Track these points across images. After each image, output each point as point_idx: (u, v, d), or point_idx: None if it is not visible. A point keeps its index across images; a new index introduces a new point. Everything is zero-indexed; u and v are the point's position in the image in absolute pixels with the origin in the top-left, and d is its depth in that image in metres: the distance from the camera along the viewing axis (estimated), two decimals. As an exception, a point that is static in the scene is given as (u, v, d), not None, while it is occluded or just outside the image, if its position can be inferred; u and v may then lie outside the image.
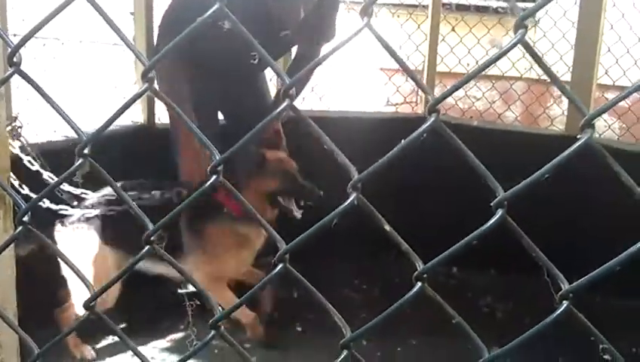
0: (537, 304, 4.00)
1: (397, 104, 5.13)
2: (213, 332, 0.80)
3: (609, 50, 4.47)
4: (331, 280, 3.98)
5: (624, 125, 4.89)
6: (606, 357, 0.77)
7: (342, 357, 0.79)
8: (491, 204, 0.73)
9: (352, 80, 6.26)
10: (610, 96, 5.06)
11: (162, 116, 4.13)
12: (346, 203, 0.74)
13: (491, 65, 0.73)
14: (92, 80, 5.34)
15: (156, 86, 0.83)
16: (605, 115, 5.11)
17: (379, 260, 4.32)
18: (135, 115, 4.16)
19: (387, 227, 0.76)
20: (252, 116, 3.73)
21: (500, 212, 0.73)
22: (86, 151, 0.77)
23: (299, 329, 3.82)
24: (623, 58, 4.59)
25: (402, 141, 0.74)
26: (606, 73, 4.51)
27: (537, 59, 0.70)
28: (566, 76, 4.40)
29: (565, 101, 4.59)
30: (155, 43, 3.85)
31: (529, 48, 0.69)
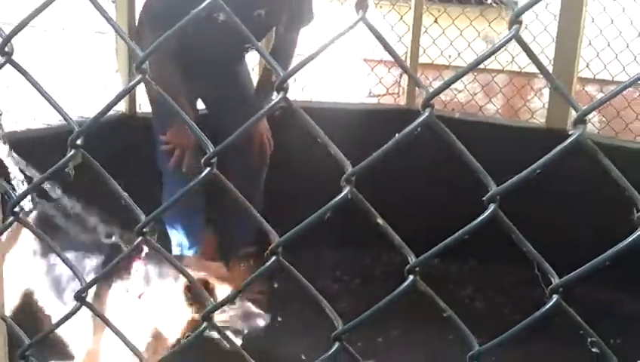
0: (516, 294, 4.07)
1: (379, 95, 5.14)
2: (205, 323, 0.81)
3: (590, 44, 4.51)
4: (311, 270, 3.97)
5: (604, 119, 4.94)
6: (594, 350, 0.78)
7: (334, 348, 0.79)
8: (484, 199, 0.74)
9: (335, 71, 6.26)
10: (590, 89, 5.10)
11: (144, 105, 4.11)
12: (340, 196, 0.74)
13: (485, 60, 0.73)
14: (73, 68, 5.29)
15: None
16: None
17: (359, 251, 4.35)
18: (117, 105, 4.13)
19: (380, 221, 0.76)
20: (234, 105, 3.74)
21: (492, 206, 0.73)
22: (78, 142, 0.76)
23: (279, 319, 3.82)
24: (603, 51, 4.63)
25: (396, 135, 0.75)
26: (587, 66, 4.55)
27: (531, 55, 0.70)
28: (547, 69, 4.42)
29: (546, 94, 4.62)
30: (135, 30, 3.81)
31: (523, 44, 0.70)
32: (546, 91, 4.54)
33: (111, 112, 3.37)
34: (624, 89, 0.72)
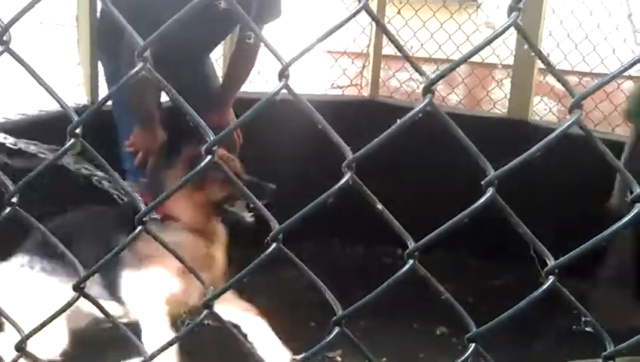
0: (481, 285, 4.13)
1: (343, 87, 5.16)
2: (205, 311, 0.81)
3: (550, 34, 4.58)
4: (277, 261, 3.97)
5: (563, 108, 5.04)
6: (588, 329, 0.80)
7: (334, 333, 0.80)
8: (482, 183, 0.75)
9: (298, 63, 6.25)
10: (550, 79, 5.19)
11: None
12: (341, 182, 0.75)
13: (488, 44, 0.74)
14: (33, 60, 5.18)
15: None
16: (545, 98, 5.24)
17: (323, 242, 4.36)
18: (78, 98, 4.07)
19: (379, 206, 0.77)
20: (199, 97, 3.72)
21: (490, 190, 0.75)
22: (77, 131, 0.76)
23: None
24: (563, 42, 4.71)
25: (398, 121, 0.76)
26: (547, 56, 4.62)
27: (528, 41, 0.72)
28: (509, 60, 4.49)
29: (507, 84, 4.68)
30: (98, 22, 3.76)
31: (521, 30, 0.71)
32: (507, 82, 4.60)
33: (72, 105, 3.32)
34: (620, 74, 0.74)
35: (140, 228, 0.77)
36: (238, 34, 3.74)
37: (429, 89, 0.73)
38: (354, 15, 0.70)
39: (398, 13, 4.93)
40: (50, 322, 0.83)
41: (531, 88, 4.18)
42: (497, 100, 4.98)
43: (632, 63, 0.72)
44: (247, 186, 2.96)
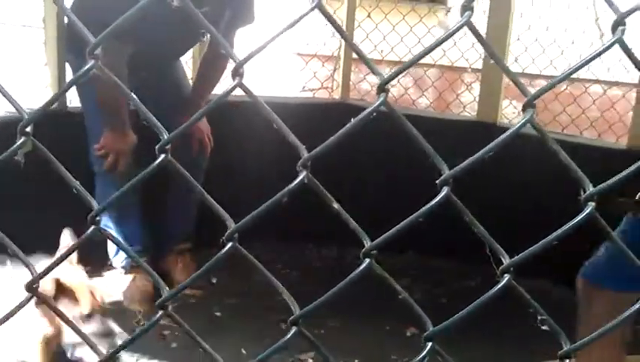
0: (453, 285, 4.15)
1: (314, 89, 5.16)
2: (160, 312, 0.80)
3: (519, 39, 4.63)
4: (250, 264, 3.97)
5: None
6: (544, 327, 0.81)
7: (291, 333, 0.80)
8: (437, 182, 0.75)
9: (269, 65, 6.25)
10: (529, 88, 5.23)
11: (74, 99, 4.01)
12: (296, 181, 0.75)
13: (442, 43, 0.75)
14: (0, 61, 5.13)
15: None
16: (515, 102, 5.29)
17: (297, 245, 4.37)
18: (46, 98, 4.02)
19: (335, 205, 0.77)
20: (170, 100, 3.70)
21: (445, 189, 0.75)
22: (28, 129, 0.75)
23: (217, 314, 3.81)
24: (531, 46, 4.76)
25: (352, 120, 0.76)
26: (516, 61, 4.67)
27: (481, 40, 0.72)
28: (477, 63, 4.53)
29: (476, 88, 4.72)
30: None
31: (474, 30, 0.71)
32: (477, 85, 4.64)
33: (40, 107, 3.28)
34: (574, 72, 0.75)
35: (92, 228, 0.76)
36: (210, 37, 3.73)
37: (382, 88, 0.73)
38: (306, 14, 0.70)
39: (368, 16, 4.95)
40: (4, 322, 0.81)
41: (500, 91, 4.22)
42: (467, 103, 5.03)
43: (580, 64, 0.73)
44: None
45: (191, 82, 3.98)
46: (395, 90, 5.16)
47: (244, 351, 3.35)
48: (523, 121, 0.73)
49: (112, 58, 3.21)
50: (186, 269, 3.83)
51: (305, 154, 0.75)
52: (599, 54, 0.73)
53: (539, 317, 0.81)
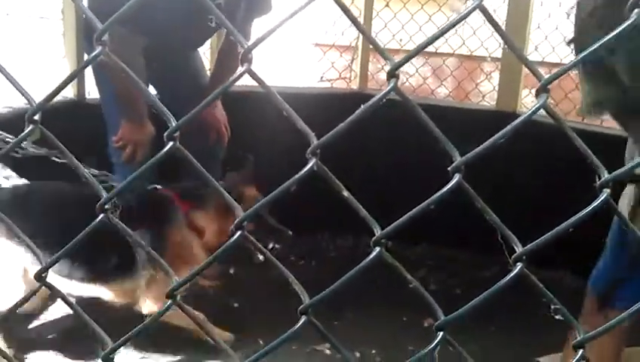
0: (468, 276, 4.13)
1: (331, 80, 5.14)
2: (169, 301, 0.79)
3: (539, 27, 4.57)
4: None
5: (551, 101, 5.02)
6: (557, 317, 0.80)
7: (301, 322, 0.79)
8: (449, 169, 0.74)
9: (287, 56, 6.24)
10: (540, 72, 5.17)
11: (93, 90, 4.03)
12: (305, 169, 0.74)
13: (453, 27, 0.73)
14: (19, 53, 5.17)
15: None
16: (534, 91, 5.22)
17: (313, 235, 4.37)
18: (65, 90, 4.05)
19: (345, 193, 0.76)
20: (187, 91, 3.70)
21: (457, 176, 0.74)
22: (36, 117, 0.74)
23: (235, 305, 3.82)
24: (552, 34, 4.70)
25: (362, 106, 0.74)
26: (536, 49, 4.62)
27: (495, 25, 0.71)
28: (497, 52, 4.48)
29: (496, 77, 4.68)
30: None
31: (487, 14, 0.70)
32: (496, 74, 4.60)
33: (59, 98, 3.31)
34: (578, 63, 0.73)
35: (101, 216, 0.76)
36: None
37: (392, 74, 0.72)
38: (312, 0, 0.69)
39: (387, 5, 4.91)
40: (15, 310, 0.81)
41: (520, 81, 4.18)
42: (486, 93, 4.98)
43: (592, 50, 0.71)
44: (270, 229, 2.95)
45: (209, 73, 3.98)
46: (413, 79, 5.12)
47: (261, 342, 3.36)
48: (536, 106, 0.72)
49: (125, 49, 3.23)
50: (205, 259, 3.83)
51: (314, 141, 0.74)
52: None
53: (552, 307, 0.79)
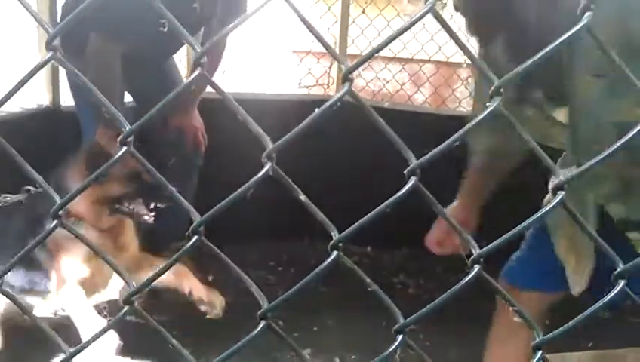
0: (447, 280, 4.14)
1: (309, 86, 5.15)
2: (126, 307, 0.79)
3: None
4: (246, 262, 3.99)
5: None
6: (516, 319, 0.80)
7: (259, 327, 0.79)
8: (404, 172, 0.74)
9: (264, 62, 6.24)
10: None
11: (69, 98, 4.00)
12: (261, 173, 0.73)
13: (405, 31, 0.73)
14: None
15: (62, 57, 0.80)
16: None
17: (293, 242, 4.36)
18: (40, 98, 4.02)
19: (302, 197, 0.76)
20: (162, 98, 3.68)
21: (413, 179, 0.74)
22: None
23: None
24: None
25: (316, 110, 0.74)
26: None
27: (446, 27, 0.71)
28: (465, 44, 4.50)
29: (472, 83, 4.71)
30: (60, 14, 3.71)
31: (439, 18, 0.70)
32: (472, 80, 4.63)
33: (34, 106, 3.26)
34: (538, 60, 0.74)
35: (55, 222, 0.75)
36: (202, 35, 3.72)
37: (346, 77, 0.72)
38: (268, 1, 0.69)
39: (363, 12, 4.93)
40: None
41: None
42: (462, 98, 5.01)
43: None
44: (149, 188, 2.84)
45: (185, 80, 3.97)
46: (390, 85, 5.14)
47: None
48: (489, 110, 0.72)
49: (103, 54, 3.22)
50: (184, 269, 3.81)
51: (270, 145, 0.74)
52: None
53: (510, 309, 0.80)
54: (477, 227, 2.27)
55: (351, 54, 4.73)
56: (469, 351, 3.24)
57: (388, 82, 5.11)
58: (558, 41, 0.71)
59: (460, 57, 5.01)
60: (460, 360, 3.11)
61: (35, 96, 4.02)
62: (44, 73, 3.95)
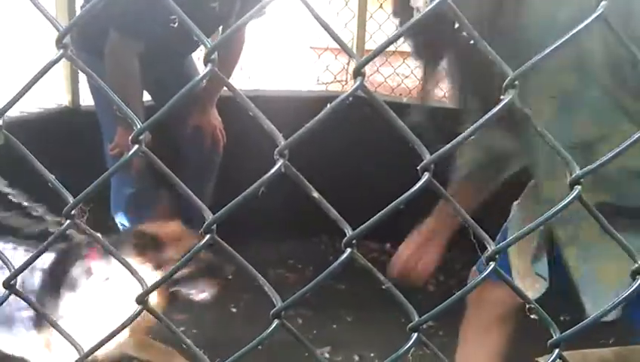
0: (466, 277, 4.12)
1: (327, 83, 5.14)
2: (139, 307, 0.79)
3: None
4: (265, 261, 4.00)
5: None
6: (533, 316, 0.79)
7: (272, 326, 0.78)
8: (418, 168, 0.73)
9: (282, 59, 6.23)
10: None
11: (87, 97, 4.02)
12: (273, 169, 0.73)
13: (415, 25, 0.72)
14: (12, 56, 5.17)
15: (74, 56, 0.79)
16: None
17: (312, 241, 4.36)
18: (58, 97, 4.04)
19: (315, 194, 0.75)
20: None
21: (426, 175, 0.73)
22: (-1, 122, 0.74)
23: (233, 309, 3.82)
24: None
25: (328, 105, 0.74)
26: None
27: (460, 20, 0.70)
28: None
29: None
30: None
31: (451, 9, 0.69)
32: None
33: (53, 106, 3.27)
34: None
35: (67, 222, 0.75)
36: (221, 34, 3.72)
37: (358, 72, 0.71)
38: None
39: (381, 7, 4.90)
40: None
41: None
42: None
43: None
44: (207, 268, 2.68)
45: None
46: (409, 80, 5.10)
47: (259, 347, 3.34)
48: (504, 102, 0.71)
49: (121, 53, 3.23)
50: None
51: (282, 142, 0.73)
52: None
53: (526, 306, 0.78)
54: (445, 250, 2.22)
55: (369, 49, 4.71)
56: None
57: (406, 77, 5.08)
58: (573, 31, 0.70)
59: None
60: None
61: (54, 96, 4.04)
62: (64, 73, 3.97)
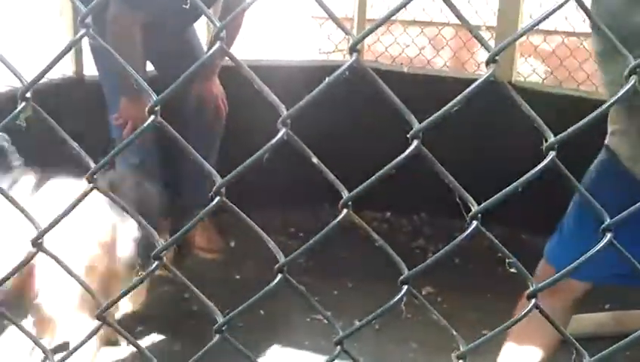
0: (465, 244, 4.20)
1: (328, 52, 5.18)
2: (156, 262, 0.86)
3: (534, -5, 4.60)
4: (266, 228, 4.05)
5: (547, 68, 5.06)
6: (512, 270, 0.86)
7: (277, 280, 0.85)
8: (408, 136, 0.80)
9: (283, 28, 6.26)
10: (535, 40, 5.21)
11: (92, 68, 4.07)
12: (276, 138, 0.80)
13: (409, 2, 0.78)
14: (14, 31, 5.20)
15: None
16: (530, 59, 5.27)
17: (314, 209, 4.43)
18: (63, 68, 4.09)
19: (315, 160, 0.82)
20: (185, 66, 3.74)
21: (415, 142, 0.80)
22: (28, 95, 0.80)
23: (237, 276, 3.90)
24: (546, 1, 4.72)
25: (326, 79, 0.80)
26: (530, 17, 4.64)
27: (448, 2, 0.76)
28: (492, 21, 4.51)
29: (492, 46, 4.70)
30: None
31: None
32: (491, 43, 4.62)
33: (58, 75, 3.32)
34: (531, 28, 0.79)
35: (90, 185, 0.82)
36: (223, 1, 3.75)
37: (353, 49, 0.78)
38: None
39: (382, -23, 4.93)
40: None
41: (515, 49, 4.21)
42: (482, 62, 5.01)
43: (544, 16, 0.77)
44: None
45: (205, 47, 4.01)
46: (409, 49, 5.14)
47: (262, 312, 3.44)
48: (485, 77, 0.78)
49: (125, 24, 3.28)
50: (205, 232, 3.89)
51: (284, 112, 0.80)
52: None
53: (507, 261, 0.86)
54: None
55: (370, 19, 4.74)
56: (484, 314, 3.32)
57: (407, 46, 5.13)
58: None
59: (479, 20, 5.00)
60: (477, 323, 3.17)
61: (58, 67, 4.09)
62: (66, 43, 4.02)
